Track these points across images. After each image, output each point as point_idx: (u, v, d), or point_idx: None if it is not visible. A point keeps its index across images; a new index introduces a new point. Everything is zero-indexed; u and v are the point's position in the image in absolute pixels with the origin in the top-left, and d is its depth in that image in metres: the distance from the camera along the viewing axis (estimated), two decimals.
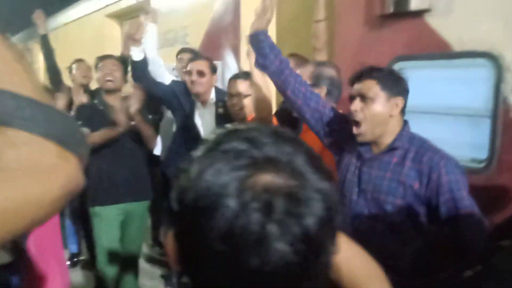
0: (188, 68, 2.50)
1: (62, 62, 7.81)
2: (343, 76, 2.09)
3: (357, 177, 1.46)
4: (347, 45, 2.35)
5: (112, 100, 2.50)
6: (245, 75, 2.54)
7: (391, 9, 2.12)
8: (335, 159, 1.65)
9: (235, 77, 2.53)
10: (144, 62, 2.60)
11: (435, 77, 2.02)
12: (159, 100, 2.69)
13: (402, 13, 2.08)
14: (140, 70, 2.59)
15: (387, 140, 1.43)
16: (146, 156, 2.65)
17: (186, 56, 3.09)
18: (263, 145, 0.45)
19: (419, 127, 1.89)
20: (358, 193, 1.44)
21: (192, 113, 2.56)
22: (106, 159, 2.46)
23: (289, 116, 2.09)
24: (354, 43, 2.34)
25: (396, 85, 1.43)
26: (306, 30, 3.09)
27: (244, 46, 3.23)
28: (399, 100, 1.42)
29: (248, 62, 3.11)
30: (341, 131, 1.55)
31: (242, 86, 2.45)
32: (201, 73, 2.46)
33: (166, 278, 3.11)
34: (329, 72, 1.98)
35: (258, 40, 1.62)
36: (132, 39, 2.55)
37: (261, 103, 2.02)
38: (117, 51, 5.04)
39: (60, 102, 2.77)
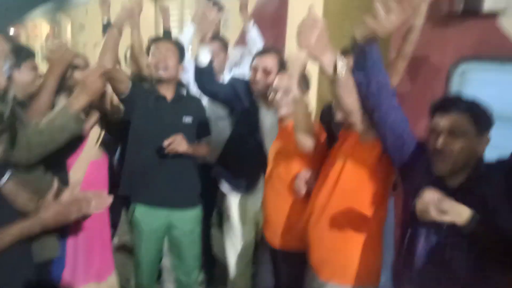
0: (253, 64, 2.28)
1: (91, 38, 7.82)
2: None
3: None
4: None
5: (165, 91, 2.32)
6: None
7: (460, 8, 2.03)
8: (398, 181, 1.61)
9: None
10: (211, 65, 2.31)
11: (506, 81, 1.93)
12: (221, 102, 2.49)
13: (472, 13, 1.99)
14: (210, 76, 2.31)
15: (464, 174, 1.35)
16: (193, 160, 2.42)
17: (217, 45, 2.87)
18: None
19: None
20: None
21: (255, 115, 2.34)
22: (146, 154, 2.29)
23: (330, 121, 1.98)
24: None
25: (486, 119, 1.34)
26: (352, 23, 2.99)
27: (290, 36, 3.18)
28: (488, 136, 1.35)
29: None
30: (417, 160, 1.47)
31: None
32: (267, 71, 2.21)
33: None
34: None
35: (368, 53, 1.38)
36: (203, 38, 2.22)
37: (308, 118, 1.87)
38: (150, 32, 4.99)
39: None
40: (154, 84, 2.35)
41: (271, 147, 2.17)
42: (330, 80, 1.49)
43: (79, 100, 1.68)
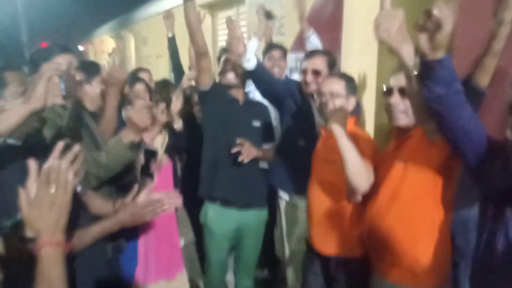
0: (302, 66, 2.33)
1: (154, 51, 8.17)
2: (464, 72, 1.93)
3: None
4: (472, 40, 2.16)
5: (236, 95, 2.45)
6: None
7: None
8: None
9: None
10: (261, 66, 2.29)
11: None
12: (276, 98, 2.48)
13: None
14: (262, 75, 2.30)
15: None
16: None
17: (277, 54, 2.94)
18: None
19: None
20: None
21: (308, 115, 2.35)
22: (219, 155, 2.39)
23: None
24: (481, 37, 2.15)
25: None
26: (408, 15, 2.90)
27: (346, 40, 3.15)
28: None
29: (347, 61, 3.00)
30: (494, 160, 1.38)
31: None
32: (317, 72, 2.25)
33: None
34: None
35: (436, 68, 1.22)
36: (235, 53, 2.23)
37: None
38: (208, 43, 5.15)
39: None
40: (224, 88, 2.46)
41: (315, 150, 2.12)
42: (406, 74, 1.43)
43: (130, 134, 1.81)
